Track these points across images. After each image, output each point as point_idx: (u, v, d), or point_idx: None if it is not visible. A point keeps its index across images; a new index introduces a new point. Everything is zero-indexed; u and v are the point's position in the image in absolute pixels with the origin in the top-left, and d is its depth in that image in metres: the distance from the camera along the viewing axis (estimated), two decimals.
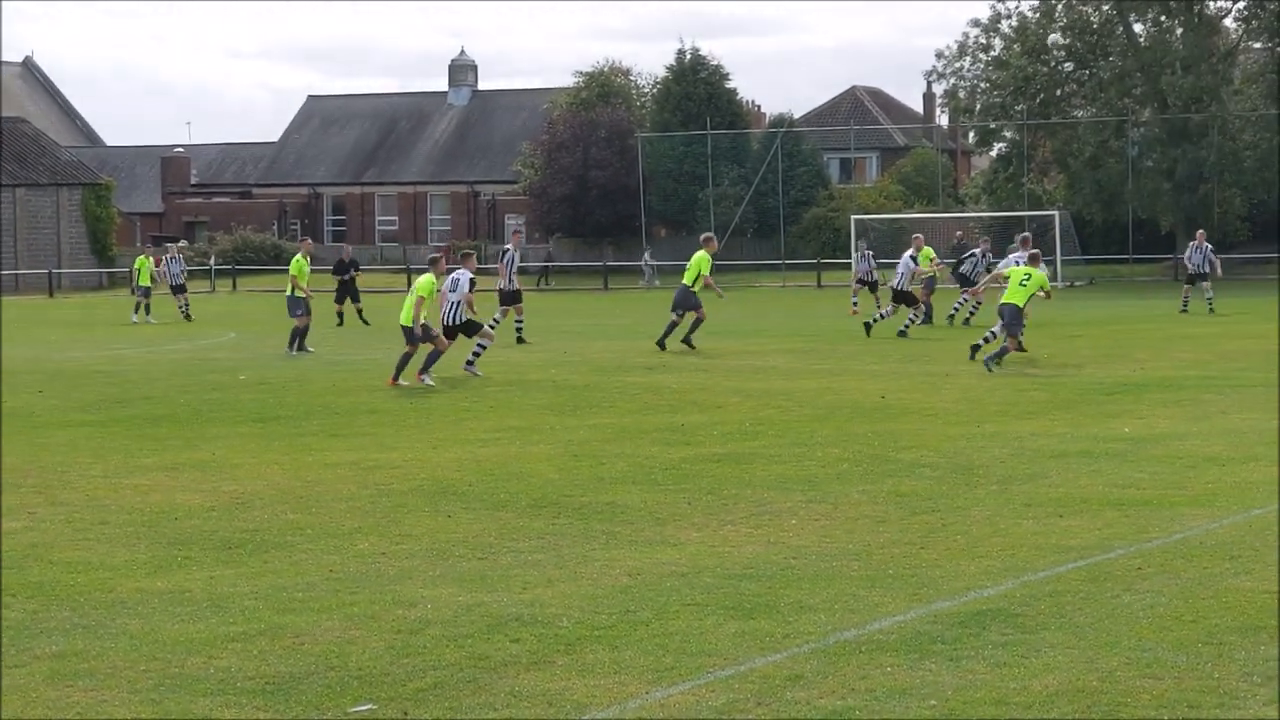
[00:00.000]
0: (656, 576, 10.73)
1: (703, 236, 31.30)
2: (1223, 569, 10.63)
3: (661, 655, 8.82)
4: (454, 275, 24.85)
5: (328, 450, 17.15)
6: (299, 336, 30.33)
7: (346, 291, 41.61)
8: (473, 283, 24.88)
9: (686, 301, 29.30)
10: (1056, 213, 64.13)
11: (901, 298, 34.36)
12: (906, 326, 33.29)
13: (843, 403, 20.73)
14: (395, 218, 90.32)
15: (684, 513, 13.14)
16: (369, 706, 8.05)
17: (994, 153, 75.27)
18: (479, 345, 25.07)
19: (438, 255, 25.46)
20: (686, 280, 29.50)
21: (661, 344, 29.02)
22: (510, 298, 31.89)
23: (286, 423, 19.63)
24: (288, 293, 31.31)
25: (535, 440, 17.68)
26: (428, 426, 19.10)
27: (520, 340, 31.59)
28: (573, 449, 16.93)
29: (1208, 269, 40.01)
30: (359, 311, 40.90)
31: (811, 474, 14.98)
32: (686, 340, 29.10)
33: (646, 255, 70.20)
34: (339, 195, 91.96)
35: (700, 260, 29.40)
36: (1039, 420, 18.63)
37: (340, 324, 40.11)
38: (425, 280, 23.99)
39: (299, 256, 32.24)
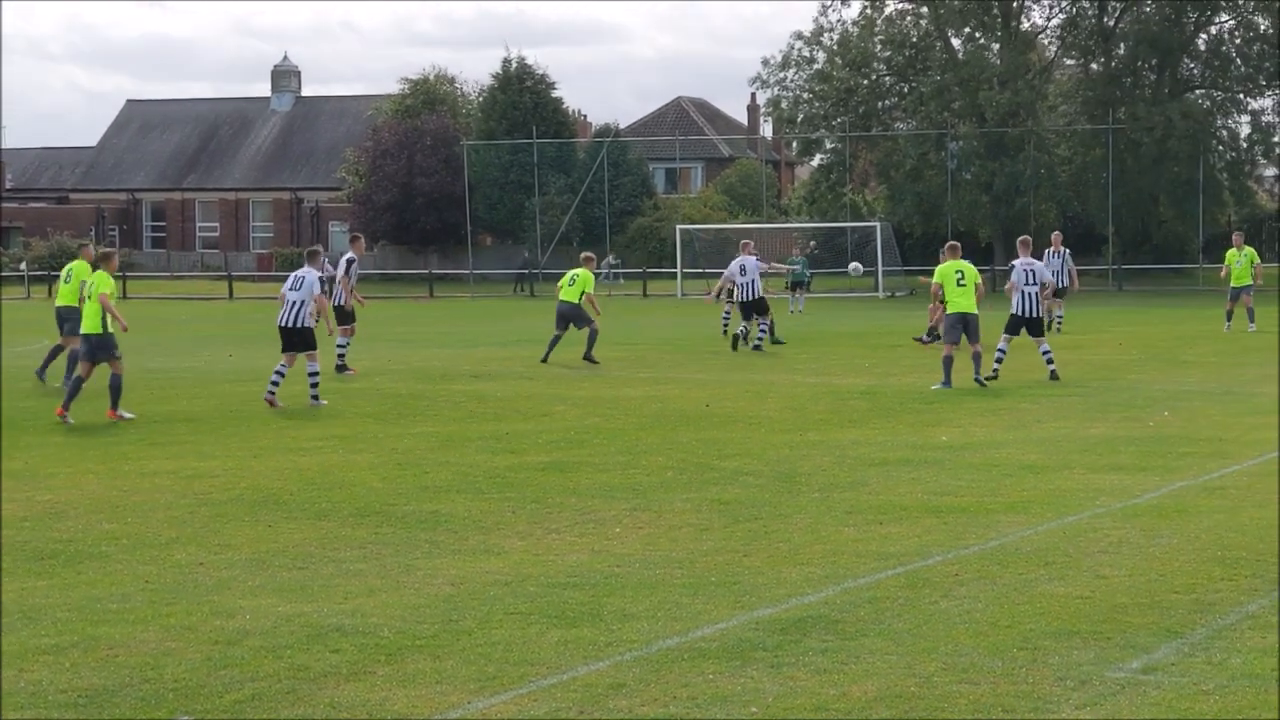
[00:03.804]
0: (480, 585, 10.69)
1: (583, 255, 30.43)
2: (1038, 575, 10.82)
3: (484, 664, 8.77)
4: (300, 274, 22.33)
5: (145, 459, 16.85)
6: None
7: None
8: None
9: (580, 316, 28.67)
10: (878, 224, 65.06)
11: (751, 309, 30.94)
12: (760, 339, 30.88)
13: (668, 411, 20.81)
14: (216, 224, 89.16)
15: (508, 521, 13.10)
16: (186, 719, 7.92)
17: (815, 163, 76.06)
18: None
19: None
20: (569, 298, 28.68)
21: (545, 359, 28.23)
22: (347, 316, 27.14)
23: (103, 431, 19.26)
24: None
25: (359, 449, 17.52)
26: (249, 435, 18.85)
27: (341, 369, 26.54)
28: (397, 457, 16.81)
29: (1066, 281, 35.14)
30: None
31: (636, 482, 15.01)
32: (588, 356, 28.23)
33: (610, 257, 69.27)
34: (159, 201, 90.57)
35: (586, 278, 28.81)
36: (860, 429, 18.85)
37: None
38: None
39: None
